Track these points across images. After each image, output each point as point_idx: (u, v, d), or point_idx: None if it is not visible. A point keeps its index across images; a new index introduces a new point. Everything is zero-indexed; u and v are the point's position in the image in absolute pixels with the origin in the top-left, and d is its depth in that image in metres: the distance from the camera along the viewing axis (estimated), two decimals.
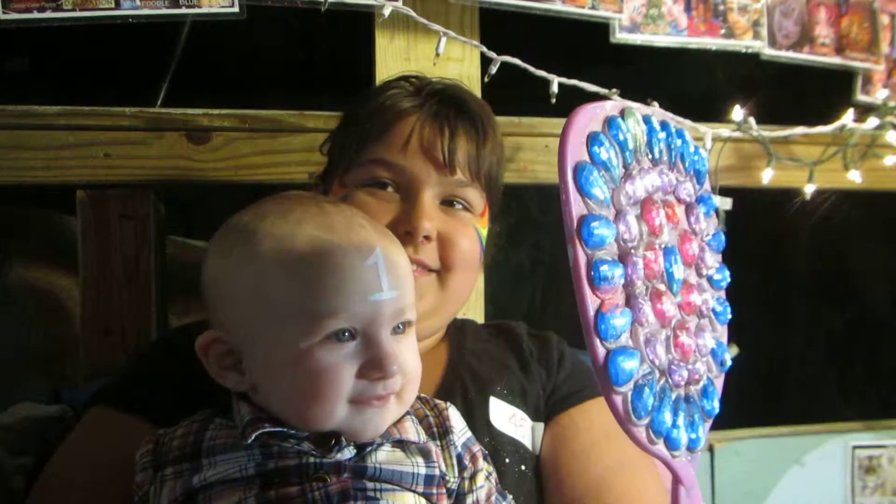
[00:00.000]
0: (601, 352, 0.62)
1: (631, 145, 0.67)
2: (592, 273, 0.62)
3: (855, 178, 1.56)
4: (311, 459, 0.70)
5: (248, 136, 1.30)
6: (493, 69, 1.26)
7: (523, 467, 0.90)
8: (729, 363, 0.76)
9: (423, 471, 0.73)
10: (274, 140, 1.31)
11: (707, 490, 1.50)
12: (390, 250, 0.76)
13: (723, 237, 0.79)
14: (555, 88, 1.26)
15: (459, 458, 0.76)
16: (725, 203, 1.43)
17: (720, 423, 1.64)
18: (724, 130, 1.47)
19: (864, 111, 1.58)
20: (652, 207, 0.69)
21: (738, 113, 1.48)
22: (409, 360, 0.75)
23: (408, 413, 0.78)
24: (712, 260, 0.78)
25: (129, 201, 1.27)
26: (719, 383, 0.75)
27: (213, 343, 0.75)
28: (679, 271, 0.70)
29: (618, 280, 0.64)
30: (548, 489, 0.90)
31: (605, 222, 0.63)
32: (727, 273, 0.79)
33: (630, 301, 0.66)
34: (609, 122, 0.66)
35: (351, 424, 0.71)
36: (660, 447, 0.67)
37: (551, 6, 1.34)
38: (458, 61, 1.36)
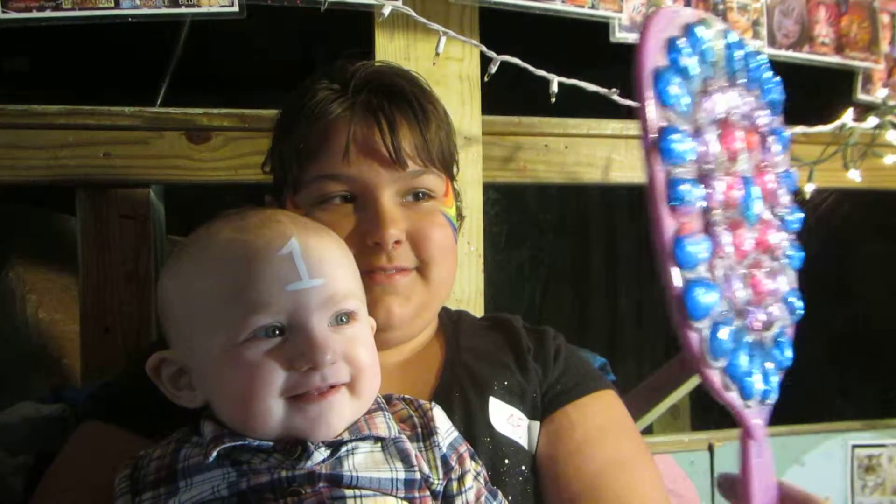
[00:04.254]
0: (678, 281, 0.57)
1: (710, 57, 0.60)
2: (671, 192, 0.56)
3: (855, 177, 1.56)
4: (283, 473, 0.68)
5: (247, 136, 1.30)
6: (493, 68, 1.25)
7: (523, 468, 0.89)
8: (801, 312, 0.69)
9: (402, 475, 0.71)
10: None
11: (707, 489, 1.50)
12: (310, 239, 0.74)
13: (794, 176, 0.72)
14: (554, 88, 1.26)
15: (445, 459, 0.74)
16: None
17: (720, 423, 1.65)
18: None
19: (864, 110, 1.58)
20: (731, 130, 0.62)
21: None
22: (358, 352, 0.73)
23: (380, 408, 0.76)
24: (786, 198, 0.71)
25: (129, 201, 1.27)
26: (790, 332, 0.69)
27: (161, 364, 0.76)
28: (757, 204, 0.63)
29: (698, 203, 0.58)
30: (545, 487, 0.89)
31: (686, 136, 0.57)
32: (799, 214, 0.72)
33: (708, 229, 0.59)
34: (688, 30, 0.60)
35: (294, 423, 0.69)
36: (733, 394, 0.61)
37: (551, 6, 1.33)
38: (458, 61, 1.36)
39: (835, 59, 1.59)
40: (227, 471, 0.69)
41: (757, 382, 0.63)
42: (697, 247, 0.58)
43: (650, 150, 0.56)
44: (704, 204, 0.60)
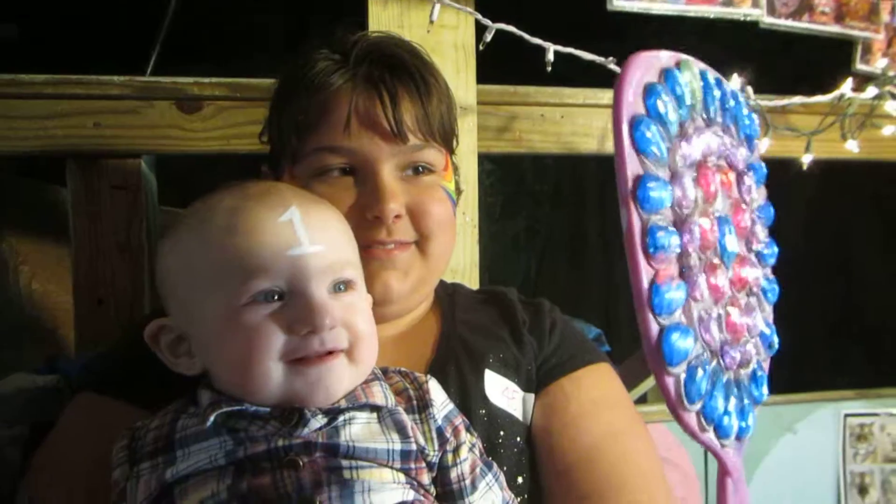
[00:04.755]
0: (654, 328, 0.57)
1: (688, 100, 0.61)
2: (648, 240, 0.56)
3: (853, 148, 1.56)
4: (280, 442, 0.69)
5: (239, 106, 1.28)
6: (488, 37, 1.24)
7: (518, 439, 0.89)
8: (777, 347, 0.70)
9: (398, 446, 0.71)
10: (265, 109, 1.29)
11: (699, 457, 1.51)
12: (311, 208, 0.75)
13: (772, 210, 0.72)
14: (550, 56, 1.25)
15: (440, 431, 0.75)
16: None
17: None
18: None
19: (863, 80, 1.56)
20: (707, 171, 0.62)
21: (735, 82, 1.46)
22: (356, 320, 0.74)
23: (377, 378, 0.77)
24: (762, 234, 0.71)
25: (120, 171, 1.26)
26: (766, 367, 0.70)
27: (160, 331, 0.76)
28: (732, 243, 0.64)
29: (674, 249, 0.58)
30: (539, 459, 0.90)
31: (663, 184, 0.57)
32: (776, 249, 0.72)
33: (684, 273, 0.60)
34: (665, 74, 0.59)
35: (293, 387, 0.70)
36: (710, 435, 0.62)
37: None
38: (453, 29, 1.34)
39: (834, 29, 1.57)
40: (223, 439, 0.70)
41: (734, 424, 0.63)
42: (674, 293, 0.58)
43: (626, 199, 0.56)
44: (680, 250, 0.59)
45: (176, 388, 0.77)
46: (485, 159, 1.65)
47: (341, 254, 0.75)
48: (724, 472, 0.63)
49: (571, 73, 1.31)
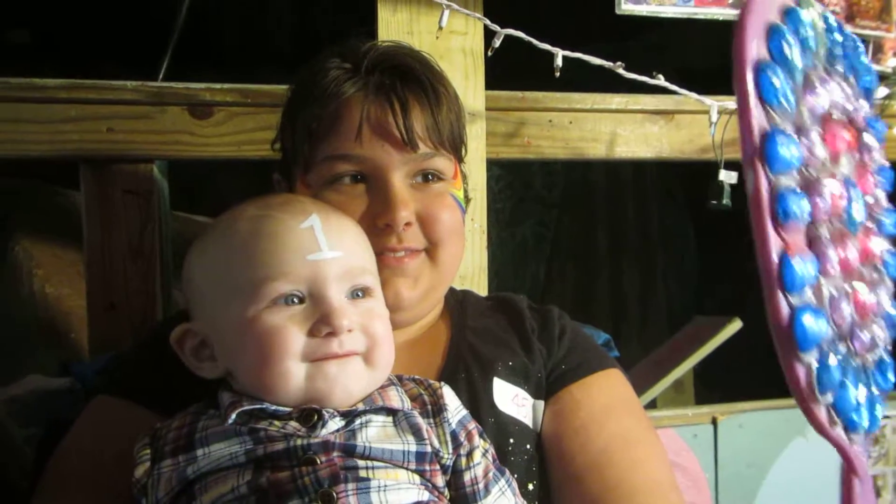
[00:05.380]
0: (786, 309, 0.49)
1: (812, 44, 0.54)
2: (778, 206, 0.49)
3: None
4: (299, 441, 0.70)
5: (250, 111, 1.29)
6: (497, 42, 1.24)
7: (528, 446, 0.89)
8: None
9: (413, 448, 0.73)
10: (276, 115, 1.29)
11: (710, 462, 1.51)
12: (330, 216, 0.79)
13: (891, 172, 0.65)
14: (559, 62, 1.25)
15: (454, 434, 0.76)
16: (731, 177, 1.42)
17: (724, 396, 1.65)
18: (731, 103, 1.45)
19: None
20: (833, 127, 0.56)
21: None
22: (374, 324, 0.76)
23: (393, 384, 0.79)
24: (884, 199, 0.65)
25: (133, 176, 1.27)
26: (890, 352, 0.62)
27: (185, 335, 0.79)
28: (859, 210, 0.57)
29: (805, 217, 0.51)
30: (550, 465, 0.90)
31: (791, 140, 0.50)
32: (895, 217, 0.64)
33: (813, 245, 0.53)
34: (787, 13, 0.53)
35: (314, 385, 0.72)
36: (839, 430, 0.55)
37: None
38: (462, 34, 1.35)
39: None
40: (244, 439, 0.71)
41: (864, 417, 0.58)
42: (804, 266, 0.50)
43: (753, 158, 0.49)
44: (810, 218, 0.53)
45: (192, 393, 0.78)
46: (493, 165, 1.65)
47: (359, 261, 0.78)
48: (850, 470, 0.57)
49: (580, 78, 1.31)
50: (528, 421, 0.91)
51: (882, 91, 1.53)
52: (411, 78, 0.90)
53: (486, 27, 1.28)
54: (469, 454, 0.77)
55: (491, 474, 0.78)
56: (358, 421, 0.73)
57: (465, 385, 0.90)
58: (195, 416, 0.75)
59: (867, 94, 0.63)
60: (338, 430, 0.72)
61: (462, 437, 0.77)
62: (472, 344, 0.95)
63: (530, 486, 0.88)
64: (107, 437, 0.84)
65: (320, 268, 0.74)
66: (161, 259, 1.29)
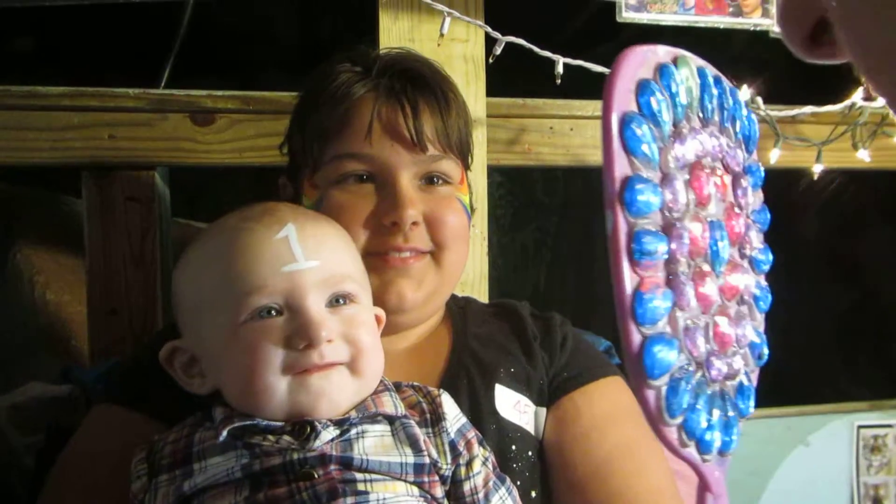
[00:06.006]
0: (636, 339, 0.54)
1: (683, 99, 0.58)
2: (634, 245, 0.54)
3: (864, 157, 1.55)
4: (295, 455, 0.69)
5: (252, 118, 1.30)
6: (498, 50, 1.24)
7: (530, 453, 0.89)
8: (766, 357, 0.68)
9: (411, 460, 0.72)
10: (278, 122, 1.30)
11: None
12: (307, 224, 0.77)
13: (768, 214, 0.70)
14: (560, 69, 1.25)
15: (453, 444, 0.75)
16: None
17: None
18: None
19: None
20: (701, 174, 0.60)
21: (745, 92, 1.46)
22: (357, 332, 0.75)
23: (387, 389, 0.78)
24: (757, 239, 0.69)
25: (134, 183, 1.27)
26: (755, 378, 0.67)
27: (174, 353, 0.78)
28: (724, 249, 0.61)
29: (661, 255, 0.55)
30: (552, 473, 0.90)
31: (652, 187, 0.54)
32: (770, 255, 0.70)
33: (671, 281, 0.57)
34: (661, 70, 0.57)
35: (297, 398, 0.71)
36: (691, 450, 0.59)
37: None
38: (463, 42, 1.35)
39: None
40: (240, 453, 0.70)
41: (716, 439, 0.61)
42: (658, 302, 0.55)
43: (612, 201, 0.53)
44: (667, 256, 0.57)
45: (192, 401, 0.78)
46: (494, 172, 1.65)
47: (339, 268, 0.77)
48: (704, 487, 0.61)
49: (581, 86, 1.31)
50: (530, 428, 0.91)
51: (882, 101, 1.54)
52: (421, 82, 0.91)
53: (487, 34, 1.29)
54: (469, 463, 0.76)
55: (491, 483, 0.77)
56: (354, 431, 0.72)
57: (467, 391, 0.90)
58: (192, 428, 0.75)
59: (747, 141, 0.66)
60: (333, 440, 0.71)
61: (461, 447, 0.76)
62: (473, 350, 0.95)
63: (533, 494, 0.88)
64: (107, 447, 0.83)
65: (296, 278, 0.73)
66: (162, 266, 1.29)
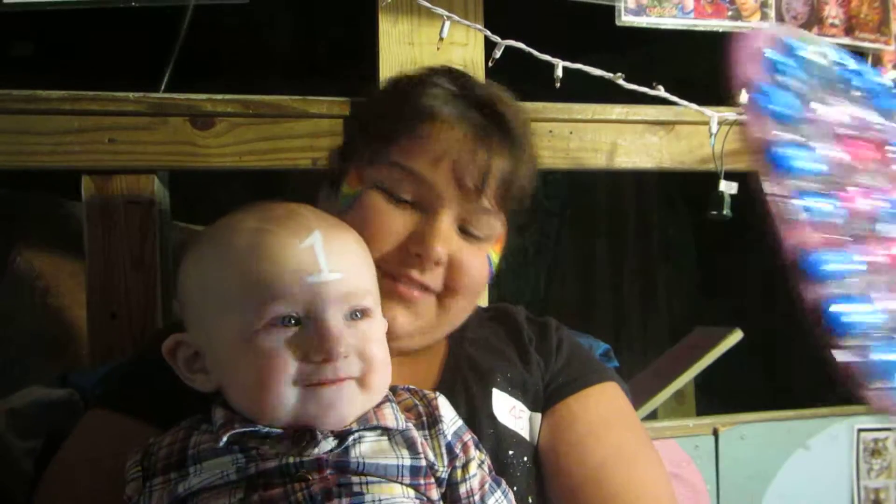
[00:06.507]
0: (825, 298, 0.51)
1: (815, 71, 0.58)
2: (798, 207, 0.52)
3: None
4: (291, 459, 0.69)
5: (251, 122, 1.30)
6: (497, 53, 1.25)
7: (526, 459, 0.89)
8: None
9: (407, 462, 0.72)
10: (277, 126, 1.31)
11: (711, 474, 1.50)
12: (333, 234, 0.75)
13: None
14: (559, 72, 1.25)
15: (449, 447, 0.75)
16: (731, 187, 1.42)
17: (725, 408, 1.65)
18: (731, 114, 1.46)
19: None
20: (853, 141, 0.59)
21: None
22: (371, 348, 0.74)
23: (388, 400, 0.77)
24: None
25: (135, 187, 1.27)
26: None
27: (178, 346, 0.77)
28: (888, 216, 0.61)
29: (831, 216, 0.55)
30: (547, 478, 0.90)
31: (806, 149, 0.54)
32: None
33: (840, 242, 0.57)
34: (787, 47, 0.57)
35: (307, 410, 0.70)
36: None
37: None
38: (462, 45, 1.35)
39: (844, 41, 1.57)
40: (236, 456, 0.70)
41: None
42: (835, 259, 0.54)
43: (767, 165, 0.53)
44: (838, 218, 0.57)
45: (187, 406, 0.77)
46: None
47: (360, 282, 0.76)
48: None
49: (580, 89, 1.32)
50: (526, 433, 0.91)
51: None
52: (506, 129, 0.89)
53: (486, 38, 1.29)
54: (465, 466, 0.76)
55: (487, 486, 0.77)
56: (351, 438, 0.72)
57: (464, 396, 0.90)
58: (187, 430, 0.74)
59: (887, 114, 0.65)
60: (331, 450, 0.71)
61: (458, 449, 0.76)
62: (470, 355, 0.95)
63: (530, 500, 0.88)
64: (100, 452, 0.83)
65: (319, 290, 0.71)
66: (162, 269, 1.29)
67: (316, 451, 0.70)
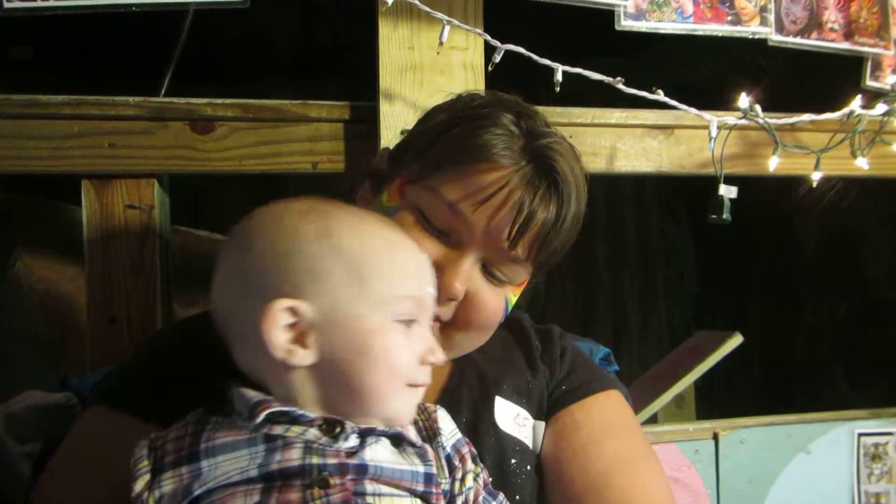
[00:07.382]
0: None
1: None
2: None
3: (862, 165, 1.55)
4: (315, 460, 0.68)
5: (251, 126, 1.30)
6: (497, 58, 1.25)
7: (528, 467, 0.89)
8: None
9: (421, 469, 0.72)
10: (277, 130, 1.31)
11: (712, 478, 1.50)
12: None
13: None
14: (559, 77, 1.25)
15: (449, 459, 0.76)
16: (731, 191, 1.42)
17: (725, 412, 1.64)
18: (730, 118, 1.46)
19: (873, 97, 1.56)
20: None
21: (744, 100, 1.46)
22: None
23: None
24: None
25: (134, 191, 1.27)
26: None
27: (292, 309, 0.71)
28: None
29: None
30: (549, 487, 0.90)
31: None
32: None
33: None
34: None
35: (398, 407, 0.73)
36: None
37: None
38: (462, 50, 1.35)
39: (844, 46, 1.57)
40: (254, 450, 0.68)
41: None
42: None
43: None
44: None
45: (187, 403, 0.76)
46: None
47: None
48: None
49: (580, 93, 1.32)
50: (529, 441, 0.91)
51: (881, 108, 1.54)
52: (557, 187, 0.86)
53: (486, 42, 1.29)
54: (462, 479, 0.76)
55: (481, 499, 0.77)
56: (370, 439, 0.72)
57: (468, 403, 0.90)
58: (196, 425, 0.72)
59: None
60: (352, 448, 0.70)
61: (456, 462, 0.76)
62: (476, 362, 0.95)
63: None
64: (99, 449, 0.83)
65: (430, 300, 0.77)
66: (162, 274, 1.29)
67: (342, 444, 0.70)
